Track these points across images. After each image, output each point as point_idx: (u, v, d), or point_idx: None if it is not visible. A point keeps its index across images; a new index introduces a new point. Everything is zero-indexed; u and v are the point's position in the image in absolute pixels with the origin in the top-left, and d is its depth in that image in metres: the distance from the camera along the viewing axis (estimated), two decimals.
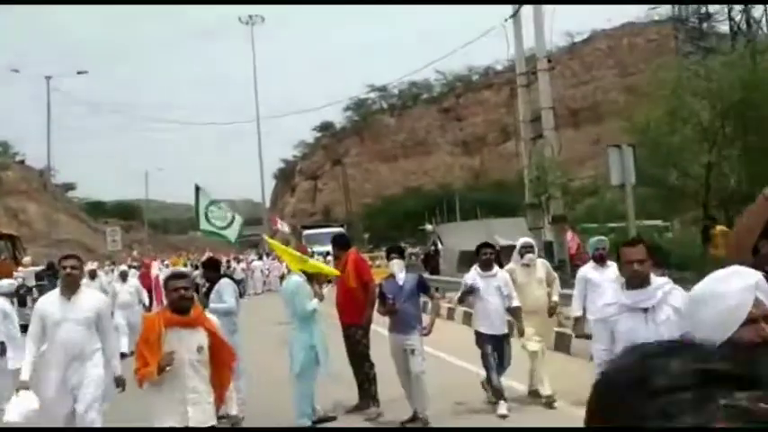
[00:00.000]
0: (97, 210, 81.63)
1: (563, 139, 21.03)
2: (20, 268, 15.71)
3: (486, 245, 7.21)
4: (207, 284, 7.77)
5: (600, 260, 6.86)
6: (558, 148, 18.48)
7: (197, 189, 8.09)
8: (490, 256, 6.99)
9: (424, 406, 6.61)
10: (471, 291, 6.82)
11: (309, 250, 32.70)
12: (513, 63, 76.58)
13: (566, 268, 17.83)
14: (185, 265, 26.20)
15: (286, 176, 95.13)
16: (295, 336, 6.91)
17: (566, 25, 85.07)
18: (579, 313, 6.77)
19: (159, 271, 12.05)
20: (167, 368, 4.02)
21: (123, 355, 7.61)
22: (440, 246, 22.38)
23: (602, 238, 7.48)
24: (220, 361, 4.32)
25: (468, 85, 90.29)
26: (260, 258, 31.50)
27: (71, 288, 5.45)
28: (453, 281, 19.23)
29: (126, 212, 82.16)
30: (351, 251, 7.53)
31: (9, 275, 18.70)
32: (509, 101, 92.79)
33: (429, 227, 26.22)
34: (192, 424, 4.13)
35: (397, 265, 6.92)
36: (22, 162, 70.43)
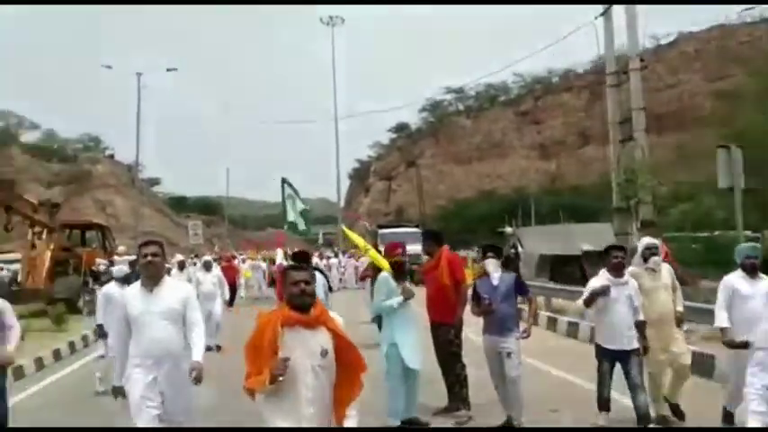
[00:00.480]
0: (180, 204, 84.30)
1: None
2: (115, 257, 16.22)
3: (616, 247, 6.62)
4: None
5: (751, 270, 5.99)
6: (648, 151, 17.71)
7: (283, 182, 8.06)
8: (621, 259, 6.35)
9: (519, 412, 6.34)
10: (604, 293, 6.16)
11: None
12: (595, 65, 74.58)
13: None
14: (265, 261, 26.64)
15: (360, 176, 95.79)
16: (381, 332, 6.83)
17: (651, 27, 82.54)
18: (726, 324, 5.69)
19: (283, 260, 10.97)
20: (280, 377, 3.33)
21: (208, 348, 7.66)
22: (520, 249, 21.91)
23: (756, 245, 6.51)
24: (348, 367, 3.60)
25: (548, 87, 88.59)
26: (335, 256, 31.69)
27: (153, 278, 4.78)
28: (536, 285, 18.79)
29: (207, 208, 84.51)
30: (444, 248, 7.31)
31: (95, 263, 19.52)
32: (589, 104, 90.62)
33: (509, 229, 25.71)
34: None
35: (492, 265, 6.65)
36: (112, 157, 73.33)
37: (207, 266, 13.14)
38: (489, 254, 6.77)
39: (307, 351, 3.44)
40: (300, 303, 3.54)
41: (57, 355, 12.12)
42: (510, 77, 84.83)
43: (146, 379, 4.62)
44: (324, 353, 3.49)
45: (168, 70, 37.38)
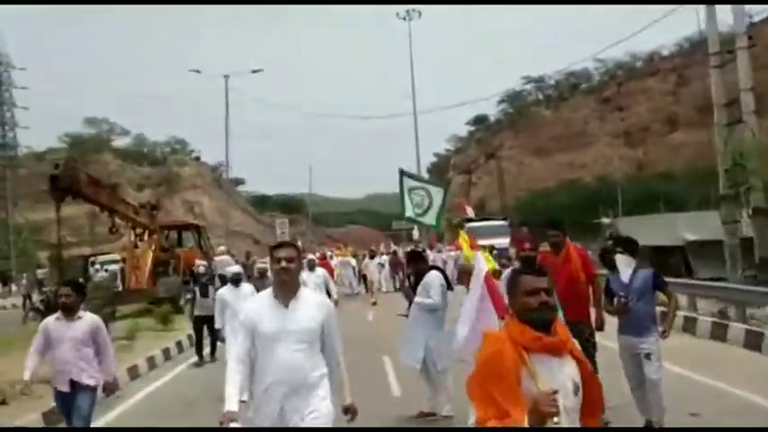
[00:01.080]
0: (262, 203, 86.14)
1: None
2: (215, 257, 16.56)
3: None
4: (413, 277, 7.53)
5: None
6: (758, 133, 16.68)
7: (401, 174, 7.80)
8: None
9: (660, 416, 5.94)
10: None
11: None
12: (681, 47, 71.28)
13: None
14: (355, 256, 26.71)
15: (439, 171, 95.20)
16: None
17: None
18: None
19: (490, 262, 8.46)
20: (555, 420, 2.34)
21: None
22: None
23: None
24: (593, 405, 2.69)
25: (631, 72, 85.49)
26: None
27: (288, 289, 3.89)
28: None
29: (289, 206, 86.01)
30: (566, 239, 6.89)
31: (193, 263, 20.02)
32: (675, 88, 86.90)
33: (606, 220, 24.76)
34: None
35: (622, 261, 6.27)
36: (198, 159, 75.66)
37: (310, 266, 12.69)
38: (618, 249, 6.38)
39: (556, 386, 2.45)
40: (541, 319, 2.60)
41: (167, 354, 12.42)
42: (591, 64, 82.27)
43: (272, 413, 3.82)
44: (575, 389, 2.59)
45: (254, 71, 38.04)
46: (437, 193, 7.81)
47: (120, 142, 74.93)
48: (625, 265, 6.26)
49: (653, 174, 77.00)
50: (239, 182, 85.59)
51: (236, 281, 9.35)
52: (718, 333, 11.01)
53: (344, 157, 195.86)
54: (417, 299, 7.12)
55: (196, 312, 11.75)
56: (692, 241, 19.51)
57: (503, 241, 32.34)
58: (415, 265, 7.51)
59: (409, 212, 7.60)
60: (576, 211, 53.72)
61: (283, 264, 3.84)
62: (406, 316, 7.78)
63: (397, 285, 26.69)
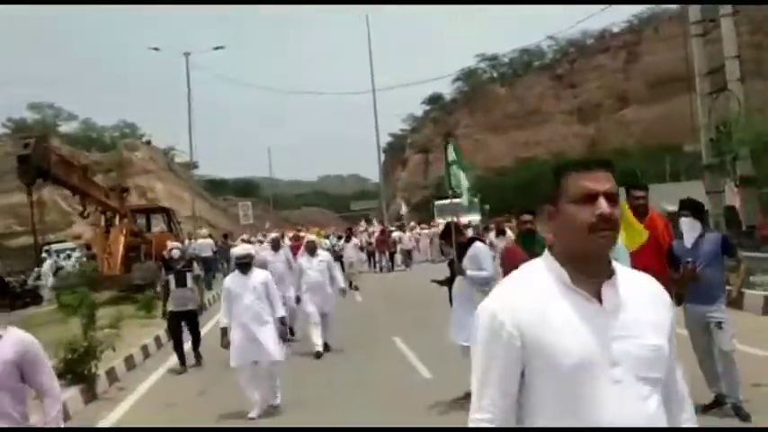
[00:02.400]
0: (218, 187, 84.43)
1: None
2: (199, 240, 15.75)
3: None
4: (454, 253, 7.03)
5: None
6: (743, 102, 16.68)
7: (446, 144, 7.32)
8: None
9: (736, 389, 5.57)
10: None
11: (443, 220, 31.92)
12: (631, 23, 72.27)
13: (755, 235, 16.19)
14: (327, 237, 26.07)
15: (395, 151, 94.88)
16: None
17: None
18: None
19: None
20: None
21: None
22: None
23: None
24: None
25: (582, 49, 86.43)
26: (401, 230, 30.96)
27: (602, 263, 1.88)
28: None
29: (244, 190, 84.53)
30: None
31: (165, 247, 19.18)
32: (626, 65, 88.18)
33: None
34: None
35: (688, 225, 5.83)
36: (149, 143, 73.54)
37: (310, 250, 10.29)
38: (684, 212, 5.95)
39: None
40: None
41: (158, 342, 11.70)
42: (545, 42, 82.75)
43: None
44: None
45: (216, 49, 36.73)
46: (464, 180, 7.31)
47: (67, 128, 72.13)
48: (690, 229, 5.85)
49: (606, 150, 78.24)
50: (193, 166, 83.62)
51: (244, 266, 7.12)
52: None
53: (298, 138, 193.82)
54: (470, 272, 6.63)
55: (171, 307, 9.65)
56: (673, 212, 19.52)
57: (474, 218, 32.27)
58: (457, 238, 7.01)
59: (454, 183, 7.11)
60: (535, 188, 54.06)
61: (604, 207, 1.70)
62: (441, 283, 7.33)
63: (377, 267, 26.26)
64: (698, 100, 18.01)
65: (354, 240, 23.76)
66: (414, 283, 20.58)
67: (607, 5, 35.32)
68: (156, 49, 37.63)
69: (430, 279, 7.89)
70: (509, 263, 6.03)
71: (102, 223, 18.14)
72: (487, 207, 54.86)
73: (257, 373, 7.01)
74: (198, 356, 9.78)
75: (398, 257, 26.20)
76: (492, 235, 13.49)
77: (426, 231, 28.64)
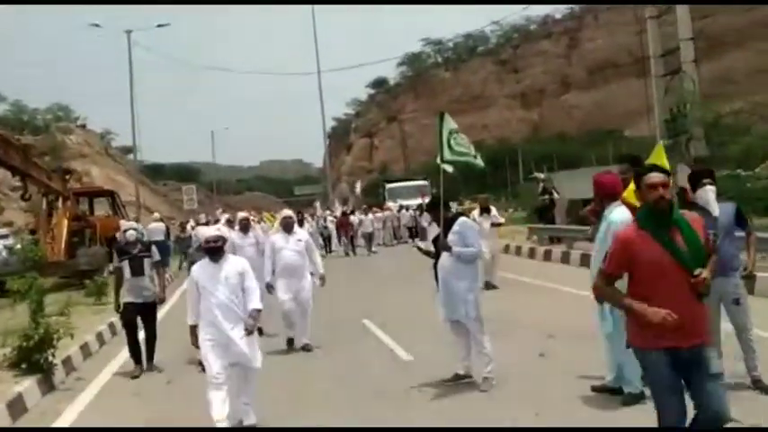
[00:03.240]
0: (157, 172, 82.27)
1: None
2: (150, 225, 14.98)
3: None
4: (433, 224, 6.76)
5: None
6: (698, 83, 16.95)
7: (441, 116, 7.01)
8: None
9: (754, 364, 5.45)
10: None
11: (394, 204, 31.61)
12: (573, 10, 73.54)
13: None
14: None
15: (339, 135, 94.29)
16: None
17: None
18: None
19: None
20: None
21: None
22: (556, 195, 21.12)
23: None
24: None
25: (526, 35, 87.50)
26: (352, 213, 30.47)
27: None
28: (576, 229, 18.07)
29: (184, 175, 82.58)
30: None
31: (116, 230, 18.30)
32: (568, 51, 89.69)
33: (540, 175, 24.82)
34: None
35: (712, 192, 5.52)
36: (84, 126, 70.99)
37: (287, 227, 8.94)
38: (706, 180, 5.67)
39: None
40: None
41: (113, 329, 11.07)
42: (488, 27, 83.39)
43: None
44: None
45: (159, 26, 35.34)
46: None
47: None
48: (713, 199, 5.54)
49: (549, 135, 79.61)
50: (129, 150, 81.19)
51: (215, 251, 5.75)
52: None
53: (239, 123, 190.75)
54: (456, 249, 6.35)
55: (126, 298, 8.32)
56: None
57: (424, 200, 32.18)
58: (440, 213, 6.72)
59: (448, 155, 6.82)
60: (486, 173, 54.56)
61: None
62: (428, 253, 7.01)
63: (333, 250, 25.75)
64: (652, 81, 18.24)
65: (306, 225, 23.23)
66: (374, 266, 20.36)
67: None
68: (96, 25, 35.97)
69: (412, 245, 7.53)
70: None
71: (44, 206, 17.19)
72: (434, 191, 55.20)
73: (231, 378, 5.65)
74: (150, 360, 8.34)
75: (361, 241, 25.83)
76: (476, 213, 13.22)
77: (379, 215, 28.30)
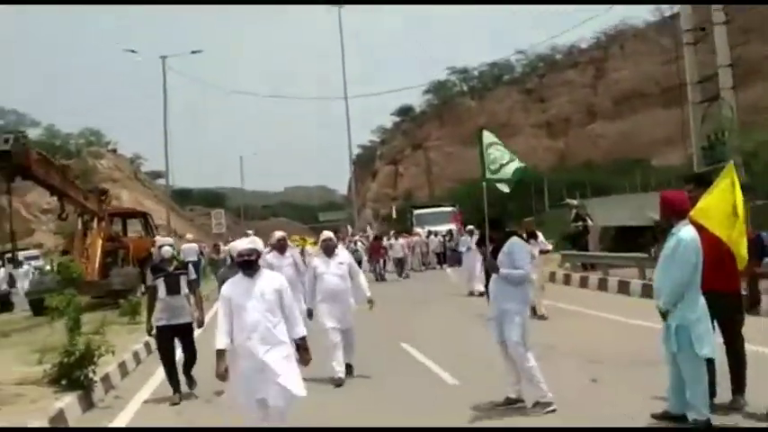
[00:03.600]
0: (183, 197, 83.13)
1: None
2: (185, 245, 15.06)
3: None
4: (491, 246, 6.63)
5: None
6: (736, 110, 16.72)
7: (480, 132, 6.95)
8: None
9: None
10: None
11: (422, 230, 31.36)
12: (598, 39, 73.22)
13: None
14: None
15: (364, 162, 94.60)
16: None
17: None
18: None
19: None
20: None
21: None
22: (589, 222, 20.84)
23: None
24: None
25: (552, 65, 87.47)
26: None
27: None
28: (612, 255, 17.76)
29: (210, 200, 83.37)
30: None
31: (148, 251, 18.40)
32: (594, 81, 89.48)
33: (573, 201, 24.58)
34: None
35: None
36: (114, 151, 72.22)
37: (327, 250, 8.45)
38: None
39: None
40: None
41: (148, 348, 11.02)
42: (514, 56, 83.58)
43: None
44: None
45: (194, 52, 35.90)
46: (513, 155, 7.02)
47: (29, 134, 70.13)
48: None
49: (575, 164, 79.11)
50: (158, 175, 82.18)
51: (249, 265, 5.22)
52: None
53: (266, 152, 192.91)
54: (503, 271, 6.23)
55: (160, 321, 7.77)
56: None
57: (450, 227, 31.96)
58: (494, 233, 6.62)
59: (488, 175, 6.75)
60: (513, 200, 54.20)
61: None
62: (484, 294, 6.92)
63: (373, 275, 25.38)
64: (689, 108, 18.03)
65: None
66: (407, 290, 20.13)
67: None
68: (133, 51, 36.69)
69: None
70: None
71: (79, 227, 17.36)
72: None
73: (267, 416, 5.06)
74: (190, 379, 7.97)
75: (390, 266, 25.67)
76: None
77: (408, 240, 28.19)
